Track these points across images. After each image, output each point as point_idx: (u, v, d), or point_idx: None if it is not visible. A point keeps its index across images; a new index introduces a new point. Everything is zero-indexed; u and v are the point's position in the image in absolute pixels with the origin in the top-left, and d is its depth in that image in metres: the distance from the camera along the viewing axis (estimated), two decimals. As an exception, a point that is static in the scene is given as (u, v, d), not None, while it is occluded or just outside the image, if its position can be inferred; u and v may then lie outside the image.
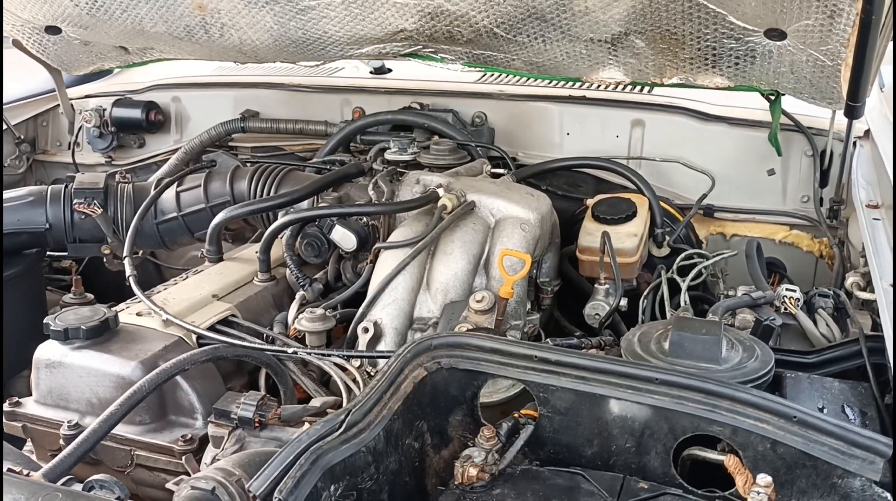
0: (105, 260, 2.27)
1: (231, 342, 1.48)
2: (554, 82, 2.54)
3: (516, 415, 1.19)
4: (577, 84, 2.49)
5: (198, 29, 2.50)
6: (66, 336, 1.42)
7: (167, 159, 2.83)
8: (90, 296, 2.50)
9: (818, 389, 1.36)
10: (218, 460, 1.24)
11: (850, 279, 1.65)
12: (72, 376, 1.42)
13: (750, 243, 1.82)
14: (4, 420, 1.48)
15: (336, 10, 2.28)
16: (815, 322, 1.52)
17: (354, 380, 1.44)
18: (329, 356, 1.46)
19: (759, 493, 0.98)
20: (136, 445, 1.37)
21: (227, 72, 2.97)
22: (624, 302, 1.83)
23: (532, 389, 1.19)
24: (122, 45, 2.78)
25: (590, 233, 1.93)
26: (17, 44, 2.75)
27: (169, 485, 1.13)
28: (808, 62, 1.95)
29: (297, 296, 1.74)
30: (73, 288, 2.48)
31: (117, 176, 2.22)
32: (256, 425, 1.28)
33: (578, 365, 1.17)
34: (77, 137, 2.88)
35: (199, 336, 1.53)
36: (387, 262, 1.69)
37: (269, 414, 1.29)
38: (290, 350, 1.47)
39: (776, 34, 1.93)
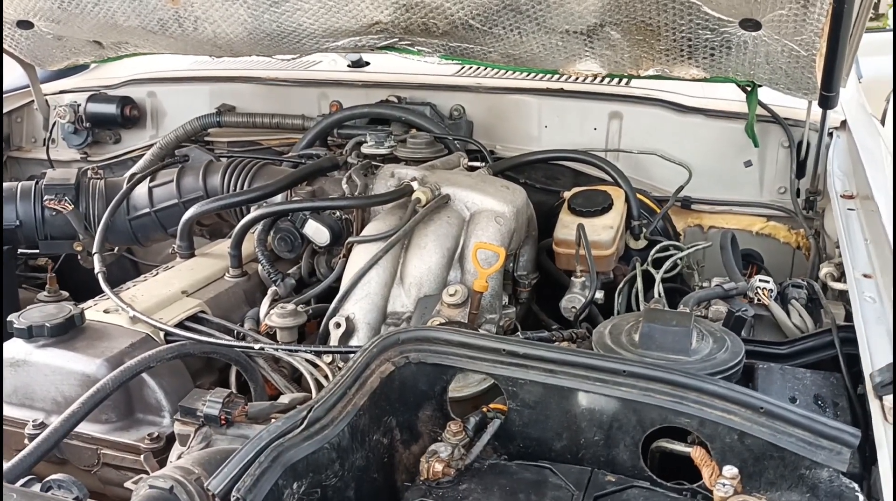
0: (79, 257, 2.24)
1: (198, 339, 1.46)
2: (532, 75, 2.52)
3: (484, 409, 1.17)
4: (555, 76, 2.48)
5: (171, 23, 2.47)
6: (29, 334, 1.40)
7: (143, 155, 2.80)
8: (65, 294, 2.48)
9: (790, 380, 1.35)
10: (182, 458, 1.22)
11: (825, 270, 1.64)
12: (36, 374, 1.40)
13: (724, 235, 1.81)
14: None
15: (310, 3, 2.25)
16: (787, 313, 1.52)
17: (326, 376, 1.42)
18: (298, 351, 1.44)
19: (724, 485, 0.98)
20: (102, 443, 1.35)
21: (202, 66, 2.94)
22: (600, 295, 1.82)
23: (501, 382, 1.18)
24: (96, 39, 2.74)
25: (566, 226, 1.92)
26: (-12, 40, 2.71)
27: (128, 484, 1.11)
28: (784, 52, 1.94)
29: (269, 292, 1.72)
30: (47, 286, 2.46)
31: (89, 172, 2.19)
32: (223, 422, 1.26)
33: (546, 358, 1.16)
34: (52, 133, 2.84)
35: (167, 333, 1.50)
36: (360, 256, 1.67)
37: (235, 411, 1.27)
38: (257, 346, 1.45)
39: (751, 24, 1.92)
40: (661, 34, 2.04)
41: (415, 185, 1.81)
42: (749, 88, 2.17)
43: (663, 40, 2.06)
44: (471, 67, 2.68)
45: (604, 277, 1.92)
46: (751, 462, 1.06)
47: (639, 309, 1.78)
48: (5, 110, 2.94)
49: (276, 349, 1.46)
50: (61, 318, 1.42)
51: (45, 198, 2.04)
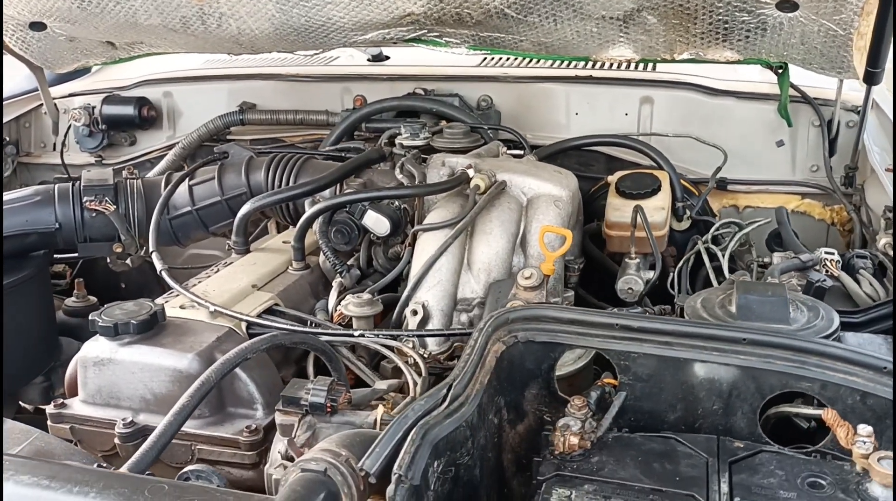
0: (109, 260, 2.20)
1: (288, 329, 1.45)
2: (558, 63, 2.54)
3: (600, 383, 1.18)
4: (582, 64, 2.50)
5: (194, 20, 2.43)
6: (115, 332, 1.37)
7: (161, 156, 2.77)
8: (93, 299, 2.44)
9: (870, 346, 1.38)
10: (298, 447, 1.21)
11: (883, 240, 1.68)
12: (123, 372, 1.37)
13: (779, 211, 1.85)
14: (50, 424, 1.43)
15: (343, -4, 2.25)
16: (858, 283, 1.55)
17: (415, 362, 1.42)
18: (400, 335, 1.44)
19: (864, 442, 1.00)
20: (198, 439, 1.33)
21: (219, 64, 2.91)
22: (652, 274, 1.85)
23: (612, 357, 1.19)
24: (110, 40, 2.70)
25: (617, 208, 1.93)
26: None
27: (269, 469, 1.10)
28: (820, 33, 1.98)
29: (335, 283, 1.71)
30: (75, 291, 2.42)
31: (124, 173, 2.15)
32: (328, 410, 1.25)
33: (662, 330, 1.17)
34: (66, 136, 2.79)
35: (250, 325, 1.49)
36: (427, 244, 1.67)
37: (339, 399, 1.26)
38: (356, 333, 1.45)
39: (788, 6, 1.95)
40: (697, 17, 2.07)
41: (470, 172, 1.81)
42: (781, 70, 2.21)
43: (700, 23, 2.09)
44: (494, 57, 2.69)
45: (653, 257, 1.94)
46: (873, 422, 1.08)
47: (695, 288, 1.79)
48: (13, 116, 2.87)
49: (377, 335, 1.45)
50: (146, 315, 1.39)
51: (85, 199, 2.00)
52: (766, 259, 1.71)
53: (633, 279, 1.85)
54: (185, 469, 1.06)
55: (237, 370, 1.37)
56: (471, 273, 1.67)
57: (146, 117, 2.74)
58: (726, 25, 2.07)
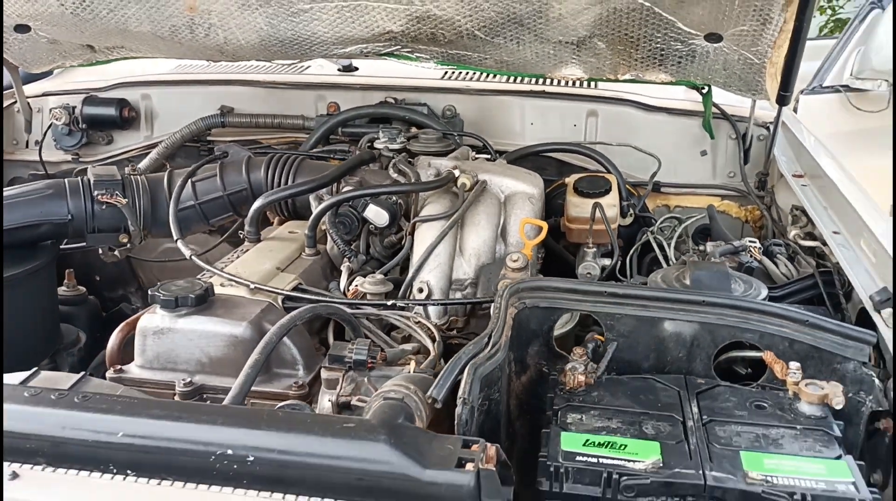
0: (101, 252, 2.37)
1: (325, 301, 1.70)
2: (515, 78, 2.86)
3: (597, 337, 1.50)
4: (536, 80, 2.83)
5: (183, 29, 2.62)
6: (175, 304, 1.58)
7: (138, 155, 2.93)
8: (82, 289, 2.59)
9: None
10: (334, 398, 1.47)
11: (793, 232, 2.08)
12: (181, 339, 1.59)
13: (710, 208, 2.22)
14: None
15: (328, 13, 2.49)
16: (776, 265, 1.93)
17: (429, 329, 1.70)
18: (428, 304, 1.72)
19: (794, 374, 1.35)
20: (254, 395, 1.56)
21: (194, 69, 3.09)
22: (609, 262, 2.18)
23: (601, 318, 1.50)
24: (91, 43, 2.84)
25: (576, 206, 2.26)
26: (-20, 43, 2.74)
27: (354, 401, 1.35)
28: (739, 61, 2.37)
29: (344, 266, 1.96)
30: (66, 281, 2.56)
31: (126, 169, 2.33)
32: (369, 366, 1.51)
33: (640, 296, 1.50)
34: (45, 135, 2.90)
35: (286, 299, 1.73)
36: (426, 233, 1.95)
37: (378, 357, 1.53)
38: (389, 302, 1.71)
39: (714, 38, 2.33)
40: (639, 45, 2.43)
41: (456, 173, 2.10)
42: (704, 90, 2.61)
43: (641, 50, 2.45)
44: (456, 71, 2.99)
45: (604, 248, 2.28)
46: (797, 361, 1.44)
47: (646, 272, 2.14)
48: (-11, 114, 2.96)
49: (405, 305, 1.72)
50: (200, 290, 1.61)
51: (96, 193, 2.17)
52: (701, 247, 2.08)
53: (591, 265, 2.18)
54: (280, 404, 1.30)
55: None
56: (463, 258, 1.96)
57: (127, 118, 2.89)
58: (662, 52, 2.44)
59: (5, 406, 1.18)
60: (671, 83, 2.55)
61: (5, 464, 1.14)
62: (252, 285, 1.73)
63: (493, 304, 1.45)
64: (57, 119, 2.85)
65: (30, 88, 3.05)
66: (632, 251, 2.16)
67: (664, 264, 2.05)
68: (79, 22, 2.59)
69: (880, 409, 1.38)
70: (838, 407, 1.29)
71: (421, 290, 1.85)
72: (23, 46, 2.77)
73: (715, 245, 2.03)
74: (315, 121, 2.82)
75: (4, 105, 3.02)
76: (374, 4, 2.43)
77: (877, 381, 1.41)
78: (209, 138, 2.86)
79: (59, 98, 2.99)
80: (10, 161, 3.01)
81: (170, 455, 1.14)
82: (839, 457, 1.21)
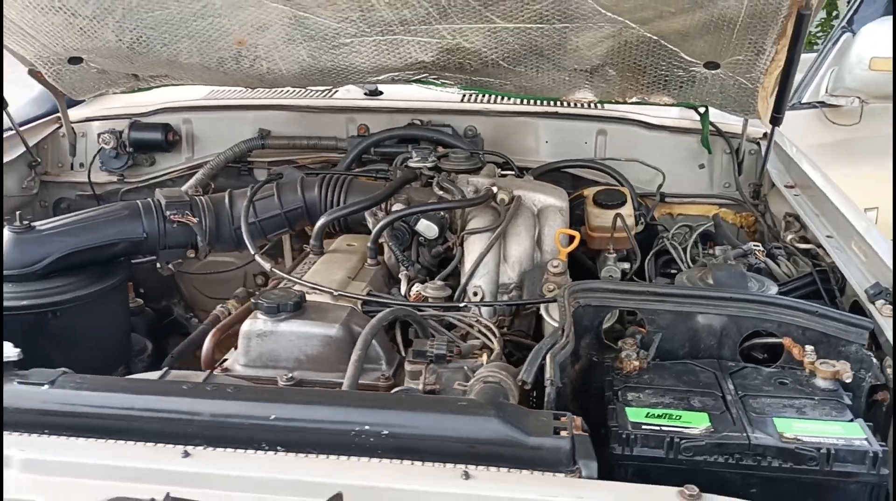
0: (159, 266, 2.59)
1: (401, 305, 1.95)
2: (532, 101, 3.14)
3: (639, 330, 1.77)
4: (549, 102, 3.11)
5: (230, 61, 2.85)
6: (277, 310, 1.83)
7: (180, 176, 3.15)
8: (140, 301, 2.81)
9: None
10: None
11: (789, 236, 2.38)
12: (282, 340, 1.83)
13: (716, 216, 2.52)
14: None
15: (366, 46, 2.74)
16: (778, 265, 2.23)
17: (489, 328, 1.96)
18: (497, 305, 2.00)
19: (810, 355, 1.64)
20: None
21: (231, 94, 3.31)
22: (627, 266, 2.47)
23: (644, 314, 1.78)
24: (136, 72, 3.05)
25: (597, 216, 2.54)
26: (34, 74, 2.94)
27: (455, 386, 1.60)
28: (735, 85, 2.67)
29: (403, 275, 2.22)
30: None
31: (190, 191, 2.55)
32: (448, 359, 1.77)
33: (676, 294, 1.78)
34: (94, 158, 3.11)
35: (364, 304, 1.98)
36: (475, 244, 2.21)
37: (454, 351, 1.79)
38: (461, 305, 1.97)
39: (712, 65, 2.63)
40: (646, 72, 2.72)
41: (494, 189, 2.37)
42: (702, 110, 2.92)
43: (647, 76, 2.75)
44: (475, 94, 3.26)
45: (620, 253, 2.56)
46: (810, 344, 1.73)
47: (664, 275, 2.43)
48: (38, 139, 3.15)
49: (478, 305, 1.99)
50: (296, 297, 1.86)
51: (168, 213, 2.39)
52: (710, 252, 2.37)
53: (612, 269, 2.46)
54: (396, 389, 1.55)
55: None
56: (507, 265, 2.23)
57: (171, 141, 3.11)
58: (666, 78, 2.73)
59: (175, 398, 1.42)
60: (673, 105, 2.85)
61: (177, 446, 1.37)
62: (336, 293, 1.98)
63: (557, 303, 1.72)
64: (106, 143, 3.06)
65: (72, 114, 3.25)
66: (649, 256, 2.44)
67: (683, 267, 2.33)
68: (133, 55, 2.80)
69: (878, 383, 1.68)
70: (848, 381, 1.58)
71: (476, 294, 2.12)
72: (73, 76, 2.97)
73: (723, 249, 2.33)
74: (347, 142, 3.07)
75: (50, 131, 3.22)
76: (408, 38, 2.69)
77: (874, 360, 1.70)
78: (249, 159, 3.09)
79: (103, 123, 3.20)
80: (56, 183, 3.21)
81: (314, 432, 1.39)
82: (851, 420, 1.50)
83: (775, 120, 2.53)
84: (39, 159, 3.09)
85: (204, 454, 1.37)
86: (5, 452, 1.37)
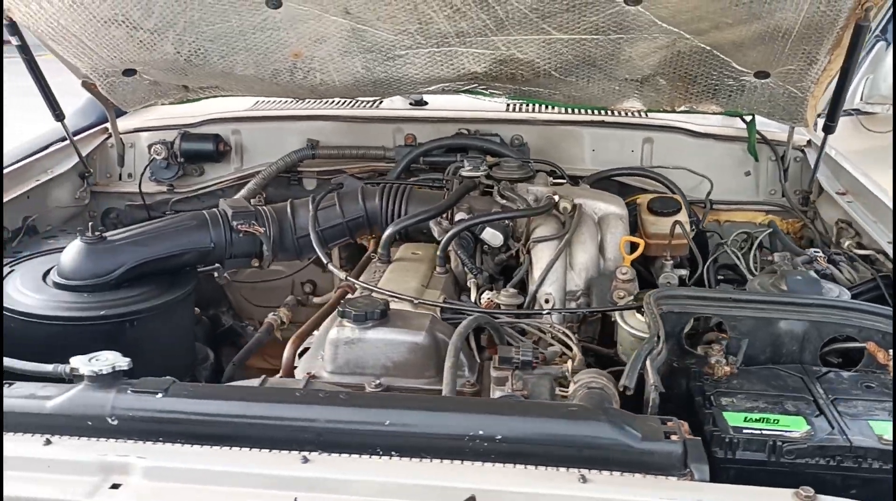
0: (216, 275, 2.63)
1: (481, 312, 1.99)
2: (575, 109, 3.19)
3: (724, 337, 1.81)
4: (595, 111, 3.16)
5: (284, 73, 2.89)
6: (364, 318, 1.86)
7: (230, 186, 3.19)
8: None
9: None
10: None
11: (847, 242, 2.42)
12: (369, 348, 1.86)
13: (772, 223, 2.57)
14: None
15: (421, 58, 2.78)
16: (840, 271, 2.27)
17: (566, 333, 2.00)
18: (577, 312, 2.03)
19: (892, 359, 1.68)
20: (431, 393, 1.84)
21: (279, 106, 3.35)
22: (684, 272, 2.51)
23: (726, 320, 1.82)
24: (188, 84, 3.09)
25: (653, 223, 2.58)
26: (88, 86, 2.97)
27: (558, 392, 1.64)
28: (784, 94, 2.72)
29: (472, 282, 2.26)
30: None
31: (252, 201, 2.59)
32: (534, 365, 1.80)
33: (757, 300, 1.82)
34: (146, 168, 3.14)
35: (443, 311, 2.02)
36: (542, 252, 2.25)
37: (539, 358, 1.82)
38: (545, 312, 2.01)
39: (762, 74, 2.68)
40: (696, 81, 2.77)
41: (555, 197, 2.40)
42: (748, 119, 2.96)
43: (697, 86, 2.79)
44: (519, 103, 3.30)
45: (675, 259, 2.60)
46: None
47: (716, 282, 2.47)
48: (89, 150, 3.18)
49: (560, 312, 2.03)
50: (382, 306, 1.89)
51: (236, 223, 2.42)
52: (770, 258, 2.41)
53: (670, 275, 2.49)
54: (500, 395, 1.58)
55: (448, 340, 1.90)
56: (573, 272, 2.27)
57: (222, 152, 3.15)
58: (716, 87, 2.78)
59: (290, 405, 1.45)
60: (720, 113, 2.89)
61: (295, 452, 1.40)
62: (416, 301, 2.01)
63: (646, 310, 1.75)
64: (157, 154, 3.10)
65: (120, 125, 3.28)
66: (708, 262, 2.48)
67: (746, 274, 2.37)
68: (189, 67, 2.84)
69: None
70: (933, 384, 1.62)
71: (547, 301, 2.16)
72: (126, 88, 3.01)
73: (782, 256, 2.36)
74: (394, 151, 3.11)
75: (98, 142, 3.25)
76: (462, 50, 2.73)
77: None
78: (299, 168, 3.13)
79: (152, 134, 3.23)
80: (105, 193, 3.24)
81: (428, 438, 1.42)
82: (943, 422, 1.54)
83: (828, 128, 2.58)
84: (91, 170, 3.11)
85: (322, 459, 1.40)
86: (125, 460, 1.40)
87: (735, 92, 2.78)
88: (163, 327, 2.25)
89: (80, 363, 1.51)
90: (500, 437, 1.40)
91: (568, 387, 1.72)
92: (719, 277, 2.57)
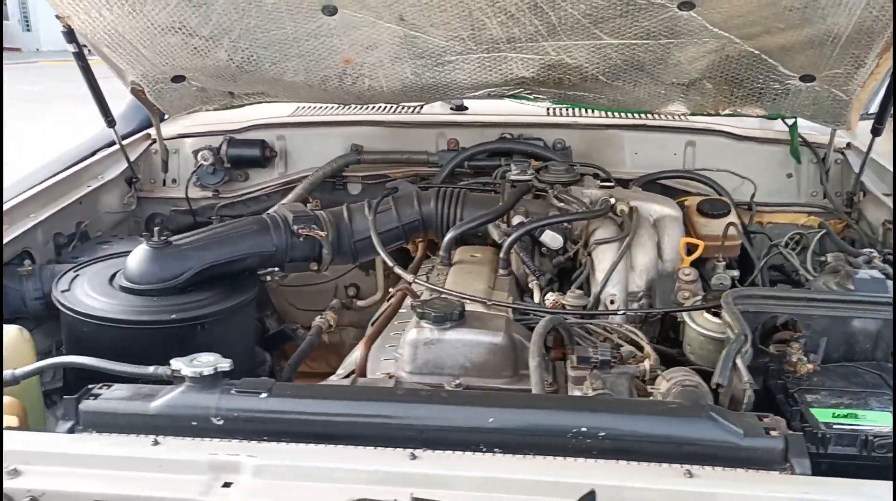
0: (270, 278, 2.65)
1: (552, 312, 2.02)
2: (618, 113, 3.22)
3: (800, 335, 1.84)
4: (636, 114, 3.19)
5: (333, 79, 2.91)
6: (443, 320, 1.89)
7: (275, 191, 3.21)
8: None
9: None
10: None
11: (897, 243, 2.47)
12: (448, 348, 1.88)
13: (822, 224, 2.61)
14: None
15: (470, 63, 2.82)
16: (896, 271, 2.31)
17: (635, 333, 2.03)
18: (650, 313, 2.07)
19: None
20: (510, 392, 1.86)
21: (322, 111, 3.38)
22: (736, 273, 2.54)
23: (801, 319, 1.85)
24: (235, 90, 3.11)
25: (704, 225, 2.62)
26: (136, 92, 2.99)
27: (650, 389, 1.67)
28: (829, 98, 2.76)
29: (535, 284, 2.29)
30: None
31: (308, 205, 2.62)
32: (612, 364, 1.83)
33: (831, 299, 1.85)
34: (193, 174, 3.16)
35: (515, 311, 2.05)
36: (604, 254, 2.28)
37: (616, 357, 1.85)
38: (620, 312, 2.04)
39: (808, 78, 2.71)
40: (742, 85, 2.81)
41: (612, 200, 2.44)
42: (790, 121, 3.00)
43: (742, 89, 2.83)
44: (560, 107, 3.34)
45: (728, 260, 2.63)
46: (961, 346, 1.80)
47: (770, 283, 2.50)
48: (136, 155, 3.20)
49: (635, 313, 2.06)
50: (460, 307, 1.92)
51: (296, 227, 2.45)
52: (823, 259, 2.44)
53: (723, 277, 2.53)
54: (592, 393, 1.61)
55: (523, 340, 1.93)
56: (634, 273, 2.30)
57: (268, 157, 3.17)
58: (761, 91, 2.82)
59: (395, 403, 1.48)
60: (764, 117, 2.93)
61: (401, 449, 1.43)
62: (489, 303, 2.04)
63: (725, 309, 1.79)
64: (205, 160, 3.12)
65: (163, 131, 3.30)
66: (763, 262, 2.52)
67: (806, 275, 2.41)
68: (240, 73, 2.87)
69: None
70: None
71: (612, 302, 2.19)
72: (173, 94, 3.02)
73: (835, 256, 2.40)
74: (438, 156, 3.14)
75: (143, 147, 3.27)
76: (512, 55, 2.77)
77: None
78: (344, 173, 3.15)
79: (196, 140, 3.26)
80: (149, 198, 3.26)
81: (532, 434, 1.45)
82: None
83: (877, 131, 2.62)
84: (140, 176, 3.13)
85: (430, 456, 1.43)
86: (235, 458, 1.42)
87: (780, 95, 2.82)
88: (228, 330, 2.27)
89: (182, 365, 1.53)
90: (603, 433, 1.43)
91: (647, 386, 1.75)
92: (781, 277, 2.61)
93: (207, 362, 1.54)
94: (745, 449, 1.40)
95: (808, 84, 2.74)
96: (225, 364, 1.54)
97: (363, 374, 2.03)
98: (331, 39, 2.69)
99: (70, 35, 2.59)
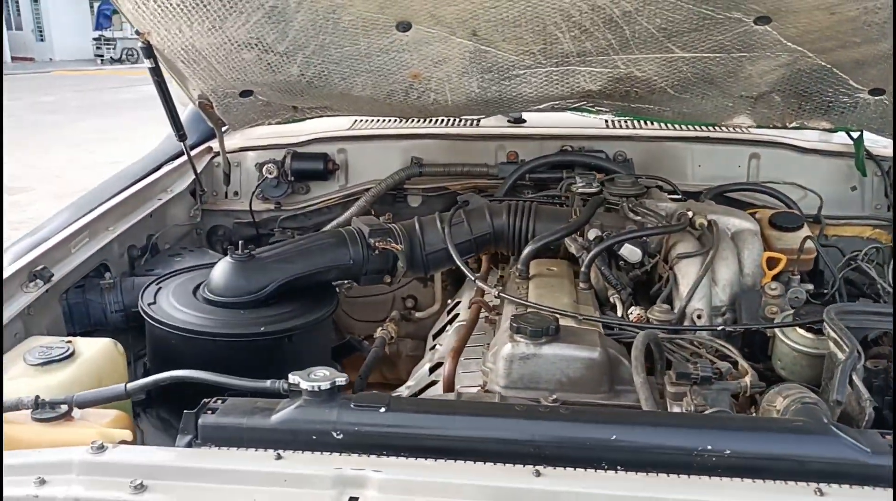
0: (341, 288, 2.66)
1: (648, 327, 2.02)
2: (678, 125, 3.23)
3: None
4: (698, 126, 3.20)
5: (399, 93, 2.93)
6: (539, 335, 1.89)
7: (337, 203, 3.23)
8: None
9: None
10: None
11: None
12: (544, 363, 1.88)
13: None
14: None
15: (537, 77, 2.82)
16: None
17: (726, 346, 2.02)
18: (747, 327, 2.07)
19: None
20: (608, 407, 1.86)
21: (382, 125, 3.40)
22: (811, 287, 2.53)
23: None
24: (298, 104, 3.13)
25: (778, 238, 2.61)
26: (204, 106, 3.02)
27: (765, 406, 1.67)
28: (897, 110, 2.76)
29: (616, 298, 2.29)
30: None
31: (381, 218, 2.63)
32: (713, 382, 1.83)
33: (933, 314, 1.85)
34: (258, 187, 3.19)
35: (605, 326, 2.05)
36: (688, 268, 2.28)
37: (716, 373, 1.85)
38: (719, 327, 2.04)
39: (877, 91, 2.71)
40: (811, 98, 2.81)
41: (690, 214, 2.44)
42: (856, 135, 3.00)
43: (811, 103, 2.83)
44: (619, 119, 3.34)
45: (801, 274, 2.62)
46: None
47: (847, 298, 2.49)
48: (201, 168, 3.22)
49: (733, 327, 2.06)
50: (555, 322, 1.92)
51: (373, 240, 2.46)
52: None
53: (798, 291, 2.52)
54: (709, 411, 1.62)
55: (622, 358, 1.93)
56: (717, 288, 2.30)
57: (330, 170, 3.20)
58: (829, 104, 2.81)
59: (515, 420, 1.48)
60: (830, 130, 2.93)
61: (525, 466, 1.43)
62: (581, 317, 2.05)
63: (830, 326, 1.78)
64: (270, 173, 3.14)
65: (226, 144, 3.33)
66: (840, 276, 2.51)
67: (887, 288, 2.40)
68: (309, 89, 2.88)
69: None
70: None
71: (699, 316, 2.19)
72: (239, 109, 3.05)
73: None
74: (497, 168, 3.15)
75: (206, 160, 3.29)
76: (581, 69, 2.78)
77: None
78: (405, 185, 3.17)
79: (258, 153, 3.28)
80: (212, 211, 3.28)
81: (656, 452, 1.45)
82: None
83: (949, 144, 2.62)
84: (206, 189, 3.16)
85: (553, 473, 1.43)
86: (360, 473, 1.42)
87: (848, 108, 2.82)
88: (311, 342, 2.29)
89: (300, 379, 1.54)
90: (729, 451, 1.42)
91: (745, 401, 1.75)
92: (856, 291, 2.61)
93: (325, 376, 1.55)
94: (874, 467, 1.40)
95: (876, 97, 2.74)
96: (342, 379, 1.55)
97: (451, 388, 2.03)
98: (401, 55, 2.70)
99: (148, 50, 2.61)
